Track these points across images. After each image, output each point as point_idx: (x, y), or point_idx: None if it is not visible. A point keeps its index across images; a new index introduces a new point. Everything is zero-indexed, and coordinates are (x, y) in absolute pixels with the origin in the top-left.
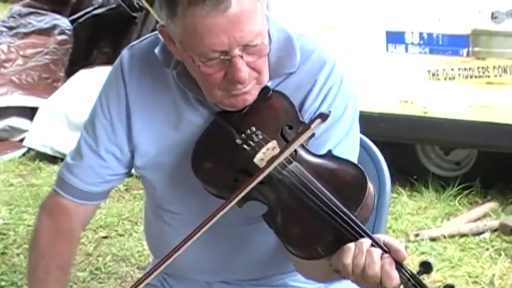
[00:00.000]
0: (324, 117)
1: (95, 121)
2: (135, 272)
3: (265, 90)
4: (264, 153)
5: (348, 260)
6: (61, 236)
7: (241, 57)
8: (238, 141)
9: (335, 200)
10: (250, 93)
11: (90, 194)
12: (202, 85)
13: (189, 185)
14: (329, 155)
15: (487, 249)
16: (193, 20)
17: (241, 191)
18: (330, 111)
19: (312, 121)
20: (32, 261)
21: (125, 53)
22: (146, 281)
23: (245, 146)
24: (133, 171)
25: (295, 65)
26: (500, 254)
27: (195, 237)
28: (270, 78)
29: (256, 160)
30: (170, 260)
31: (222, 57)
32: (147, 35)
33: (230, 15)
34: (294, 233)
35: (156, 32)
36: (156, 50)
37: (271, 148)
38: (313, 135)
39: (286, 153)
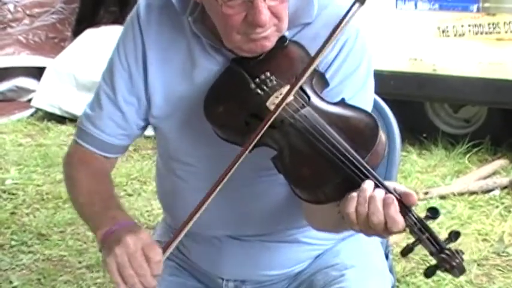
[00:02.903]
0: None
1: (113, 71)
2: (144, 230)
3: (282, 39)
4: (276, 97)
5: (351, 209)
6: (100, 176)
7: (264, 0)
8: (252, 85)
9: (345, 144)
10: (269, 39)
11: (110, 145)
12: (222, 28)
13: (201, 132)
14: (342, 103)
15: (497, 206)
16: None
17: (254, 136)
18: None
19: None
20: (83, 205)
21: (141, 1)
22: (177, 241)
23: (258, 91)
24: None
25: (312, 15)
26: (510, 212)
27: (214, 193)
28: (288, 29)
29: (268, 104)
30: (196, 216)
31: None
32: None
33: None
34: (302, 175)
35: None
36: None
37: (284, 93)
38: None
39: (308, 72)
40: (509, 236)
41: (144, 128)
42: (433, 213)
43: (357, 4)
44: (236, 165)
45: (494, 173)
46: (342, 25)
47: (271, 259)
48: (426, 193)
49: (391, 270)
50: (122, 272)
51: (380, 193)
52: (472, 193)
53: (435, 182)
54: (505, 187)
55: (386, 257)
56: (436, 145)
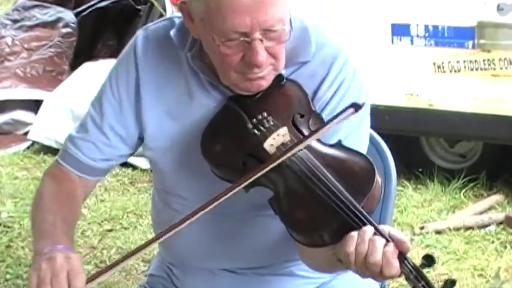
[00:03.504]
0: (356, 107)
1: (102, 99)
2: (140, 265)
3: (279, 77)
4: (274, 139)
5: (351, 248)
6: (65, 198)
7: (261, 41)
8: (249, 125)
9: (342, 189)
10: (265, 78)
11: (89, 168)
12: (219, 66)
13: (198, 168)
14: (339, 145)
15: (493, 242)
16: None
17: (250, 177)
18: (363, 103)
19: (344, 110)
20: (36, 217)
21: (139, 34)
22: (137, 254)
23: (255, 131)
24: (137, 164)
25: (309, 54)
26: (505, 247)
27: (196, 216)
28: (285, 67)
29: (265, 145)
30: (168, 234)
31: (242, 38)
32: (161, 18)
33: None
34: (299, 219)
35: (170, 16)
36: (172, 33)
37: (281, 134)
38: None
39: (306, 143)
40: (505, 272)
41: (126, 157)
42: (429, 261)
43: (352, 109)
44: (223, 199)
45: (490, 209)
46: (331, 123)
47: None
48: (422, 228)
49: None
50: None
51: (380, 238)
52: (467, 228)
53: (431, 216)
54: (501, 223)
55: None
56: (432, 180)
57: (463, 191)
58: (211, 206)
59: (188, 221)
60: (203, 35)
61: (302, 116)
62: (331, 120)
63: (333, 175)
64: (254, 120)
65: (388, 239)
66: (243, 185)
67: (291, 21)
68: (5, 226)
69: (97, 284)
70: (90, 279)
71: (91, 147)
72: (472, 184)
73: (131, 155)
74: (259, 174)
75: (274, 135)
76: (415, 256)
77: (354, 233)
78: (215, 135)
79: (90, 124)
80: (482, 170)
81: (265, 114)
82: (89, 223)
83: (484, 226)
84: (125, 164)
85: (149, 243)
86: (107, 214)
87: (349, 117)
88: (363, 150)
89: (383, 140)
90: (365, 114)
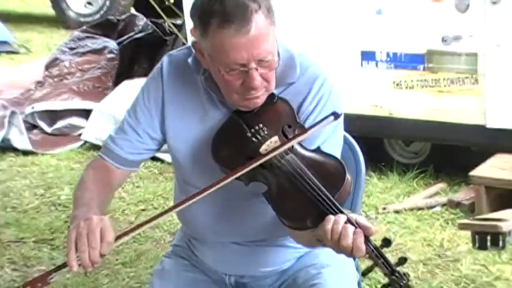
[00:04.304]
0: (336, 115)
1: (136, 107)
2: (167, 236)
3: (271, 96)
4: (267, 145)
5: (329, 226)
6: (102, 184)
7: (256, 69)
8: (248, 134)
9: (320, 185)
10: (260, 97)
11: (126, 160)
12: (224, 90)
13: (208, 165)
14: (318, 150)
15: (438, 219)
16: (221, 39)
17: (247, 167)
18: (342, 112)
19: (325, 117)
20: (77, 194)
21: (165, 59)
22: (158, 219)
23: (253, 139)
24: (164, 158)
25: (295, 77)
26: (448, 223)
27: (200, 196)
28: (276, 87)
29: (261, 150)
30: (180, 207)
31: (241, 68)
32: (183, 47)
33: (250, 36)
34: (286, 208)
35: (189, 45)
36: (189, 60)
37: (273, 141)
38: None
39: (290, 144)
40: (448, 242)
41: (154, 151)
42: (387, 243)
43: (332, 117)
44: (221, 184)
45: (436, 194)
46: (314, 128)
47: (264, 259)
48: (384, 208)
49: (357, 268)
50: (78, 240)
51: (351, 226)
52: (419, 209)
53: (391, 200)
54: (444, 204)
55: (354, 258)
56: (392, 171)
57: (416, 180)
58: (213, 189)
59: (194, 199)
60: (211, 66)
61: (290, 127)
62: (313, 126)
63: (313, 174)
64: (252, 130)
65: (356, 225)
66: (237, 175)
67: (278, 53)
68: (63, 206)
69: (134, 251)
70: (118, 237)
71: (128, 145)
72: (422, 175)
73: (157, 150)
74: (249, 167)
75: (268, 142)
76: (379, 232)
77: (332, 216)
78: (221, 142)
79: (127, 127)
80: (430, 164)
81: (260, 125)
82: (127, 204)
83: (432, 207)
84: (155, 159)
85: (166, 211)
86: (141, 197)
87: (329, 123)
88: (338, 151)
89: (355, 141)
90: (338, 124)
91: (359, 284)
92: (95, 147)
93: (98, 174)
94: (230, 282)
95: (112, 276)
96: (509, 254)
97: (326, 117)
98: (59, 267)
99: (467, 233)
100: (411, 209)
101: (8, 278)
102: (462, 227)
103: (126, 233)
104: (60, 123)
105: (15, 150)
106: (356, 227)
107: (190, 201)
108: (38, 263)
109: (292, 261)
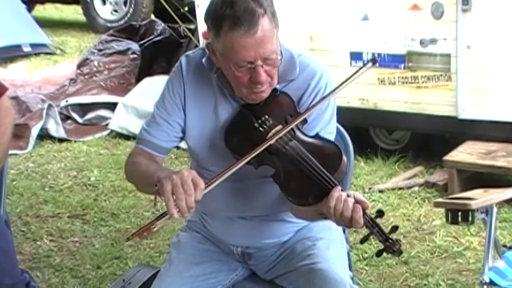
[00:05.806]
0: (374, 61)
1: (164, 101)
2: None
3: (275, 90)
4: (273, 133)
5: (332, 203)
6: (153, 160)
7: (262, 66)
8: (256, 124)
9: (320, 166)
10: (265, 92)
11: (162, 148)
12: (234, 85)
13: (221, 151)
14: (317, 136)
15: (416, 198)
16: (232, 39)
17: (254, 151)
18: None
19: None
20: (139, 170)
21: (182, 59)
22: (213, 185)
23: (260, 128)
24: (180, 145)
25: (295, 74)
26: (424, 201)
27: (221, 179)
28: (278, 83)
29: (268, 138)
30: (212, 185)
31: (249, 65)
32: (197, 48)
33: (257, 37)
34: (292, 188)
35: (203, 46)
36: (203, 60)
37: (278, 130)
38: (305, 121)
39: (291, 125)
40: (424, 218)
41: (180, 138)
42: (380, 213)
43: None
44: (236, 168)
45: (414, 176)
46: (308, 113)
47: (267, 232)
48: (370, 188)
49: (347, 240)
50: (174, 191)
51: (351, 199)
52: (400, 188)
53: (376, 181)
54: (422, 185)
55: (344, 231)
56: (377, 156)
57: (397, 164)
58: (230, 173)
59: (216, 182)
60: (223, 64)
61: (291, 116)
62: (306, 111)
63: (314, 157)
64: (259, 120)
65: (354, 200)
66: (251, 157)
67: (281, 52)
68: (93, 186)
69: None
70: (208, 184)
71: (162, 134)
72: (403, 159)
73: (182, 138)
74: (263, 147)
75: (273, 130)
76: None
77: (334, 194)
78: (233, 132)
79: (159, 118)
80: (409, 150)
81: (266, 116)
82: None
83: (411, 187)
84: None
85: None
86: None
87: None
88: (332, 137)
89: (345, 130)
90: (333, 113)
91: (348, 253)
92: (120, 135)
93: (145, 156)
94: (237, 252)
95: (135, 247)
96: (477, 228)
97: (314, 104)
98: (160, 216)
99: (441, 210)
100: (393, 189)
101: (46, 248)
102: (437, 204)
103: (212, 182)
104: (90, 115)
105: (52, 138)
106: (355, 202)
107: (219, 181)
108: (72, 235)
109: (291, 234)
